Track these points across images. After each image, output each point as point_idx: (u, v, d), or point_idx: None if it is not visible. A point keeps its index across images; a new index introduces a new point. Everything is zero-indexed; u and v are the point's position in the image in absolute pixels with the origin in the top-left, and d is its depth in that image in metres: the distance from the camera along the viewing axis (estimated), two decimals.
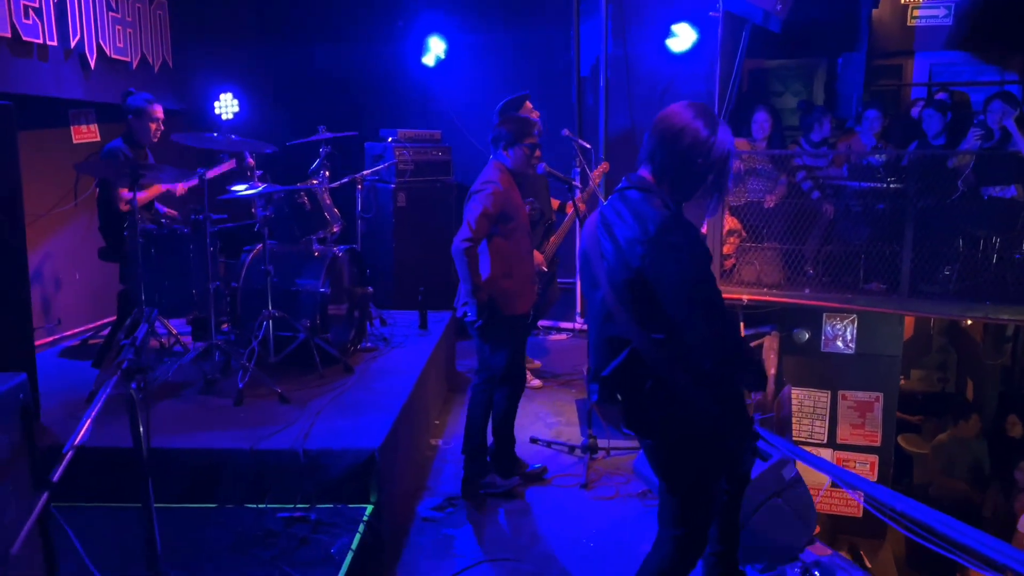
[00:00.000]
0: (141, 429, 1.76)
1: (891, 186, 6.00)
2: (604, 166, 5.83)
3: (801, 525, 3.45)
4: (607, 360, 2.42)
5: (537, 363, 6.30)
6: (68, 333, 5.61)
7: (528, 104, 5.39)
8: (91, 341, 5.30)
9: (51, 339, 5.42)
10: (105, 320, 5.81)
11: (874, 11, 8.61)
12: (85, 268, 5.77)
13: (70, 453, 1.41)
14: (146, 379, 1.75)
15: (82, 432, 1.46)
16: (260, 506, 3.35)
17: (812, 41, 8.26)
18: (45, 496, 1.31)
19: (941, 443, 7.36)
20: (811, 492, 3.56)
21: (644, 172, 2.45)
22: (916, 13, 8.91)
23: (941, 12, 8.84)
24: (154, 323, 1.92)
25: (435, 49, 7.21)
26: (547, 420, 5.22)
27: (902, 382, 7.87)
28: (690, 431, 2.41)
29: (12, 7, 4.52)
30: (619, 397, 2.44)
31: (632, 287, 2.33)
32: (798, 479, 3.45)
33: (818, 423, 7.00)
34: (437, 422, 5.17)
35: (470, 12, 7.33)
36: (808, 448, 6.99)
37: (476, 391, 4.11)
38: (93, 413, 1.52)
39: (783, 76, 9.33)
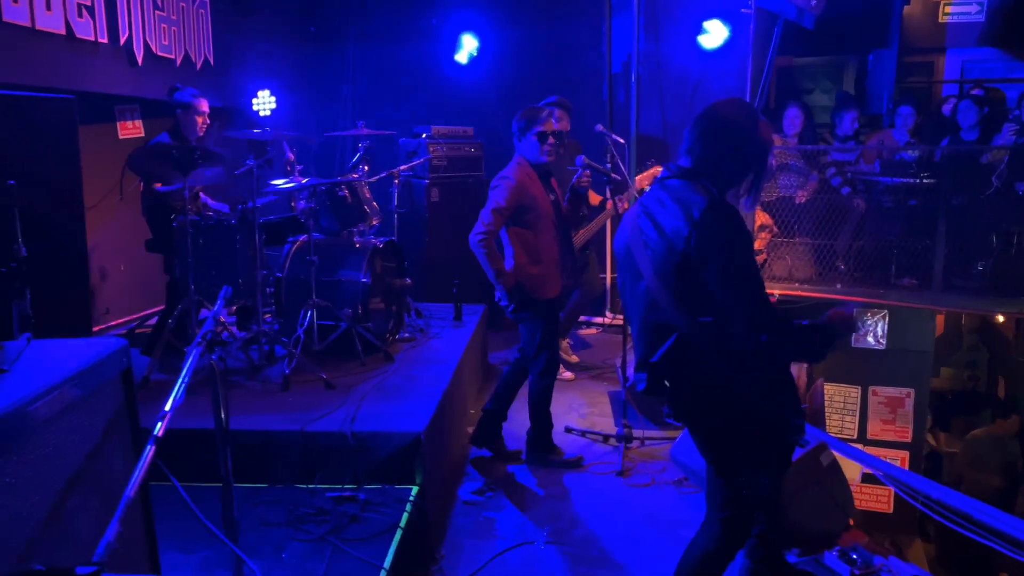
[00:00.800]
0: (221, 397, 1.86)
1: (924, 181, 6.01)
2: (656, 169, 5.84)
3: (839, 511, 3.50)
4: (654, 347, 2.47)
5: (575, 357, 6.37)
6: (114, 323, 5.78)
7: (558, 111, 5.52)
8: (138, 330, 5.45)
9: (99, 328, 5.58)
10: (149, 311, 5.98)
11: (905, 8, 8.60)
12: (129, 260, 5.93)
13: (170, 412, 1.52)
14: (226, 351, 1.85)
15: (177, 393, 1.57)
16: (310, 486, 3.46)
17: (842, 38, 8.26)
18: (152, 448, 1.42)
19: (975, 439, 7.34)
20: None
21: (684, 163, 2.51)
22: (948, 10, 8.87)
23: (973, 9, 8.80)
24: (230, 300, 2.02)
25: (468, 47, 7.31)
26: (581, 411, 5.29)
27: (932, 381, 7.85)
28: (738, 412, 2.47)
29: (67, 5, 4.68)
30: (667, 384, 2.51)
31: (679, 272, 2.38)
32: (835, 465, 3.50)
33: (848, 418, 7.01)
34: (472, 412, 5.26)
35: (502, 10, 7.42)
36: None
37: (512, 366, 4.34)
38: (186, 378, 1.63)
39: (812, 73, 9.34)
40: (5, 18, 4.20)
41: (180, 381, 1.61)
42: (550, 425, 4.32)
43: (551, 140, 4.06)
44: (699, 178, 2.45)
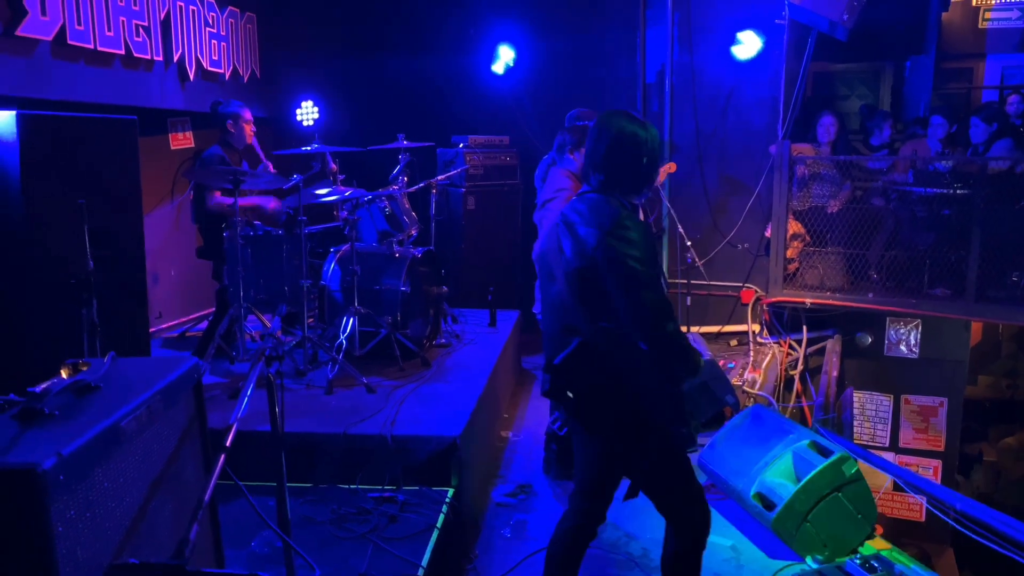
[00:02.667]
0: (277, 408, 2.05)
1: (958, 192, 6.02)
2: (670, 166, 6.03)
3: (861, 520, 3.59)
4: (559, 350, 2.64)
5: None
6: (166, 325, 6.05)
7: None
8: (188, 333, 5.72)
9: (152, 330, 5.85)
10: (199, 313, 6.26)
11: (944, 14, 8.55)
12: (180, 264, 6.21)
13: (236, 424, 1.71)
14: (282, 365, 2.03)
15: (243, 405, 1.76)
16: (352, 486, 3.66)
17: (879, 44, 8.24)
18: (223, 457, 1.60)
19: (1008, 447, 7.31)
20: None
21: (597, 176, 2.64)
22: (988, 15, 8.81)
23: (1014, 14, 8.72)
24: (284, 317, 2.20)
25: (504, 57, 7.47)
26: None
27: (969, 389, 7.81)
28: (627, 416, 2.59)
29: (126, 26, 4.95)
30: (569, 394, 2.64)
31: (583, 276, 2.56)
32: (858, 475, 3.59)
33: (880, 426, 7.03)
34: (506, 415, 5.43)
35: (539, 21, 7.57)
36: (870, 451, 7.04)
37: None
38: (249, 391, 1.81)
39: (848, 79, 9.32)
40: (70, 41, 4.47)
41: (243, 395, 1.80)
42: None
43: None
44: (612, 191, 2.61)
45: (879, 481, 5.30)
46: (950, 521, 3.70)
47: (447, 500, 3.56)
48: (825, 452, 3.66)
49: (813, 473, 3.51)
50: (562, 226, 2.68)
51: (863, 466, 4.00)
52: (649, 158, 2.62)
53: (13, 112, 3.49)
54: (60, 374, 1.67)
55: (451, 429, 3.76)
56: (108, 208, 3.72)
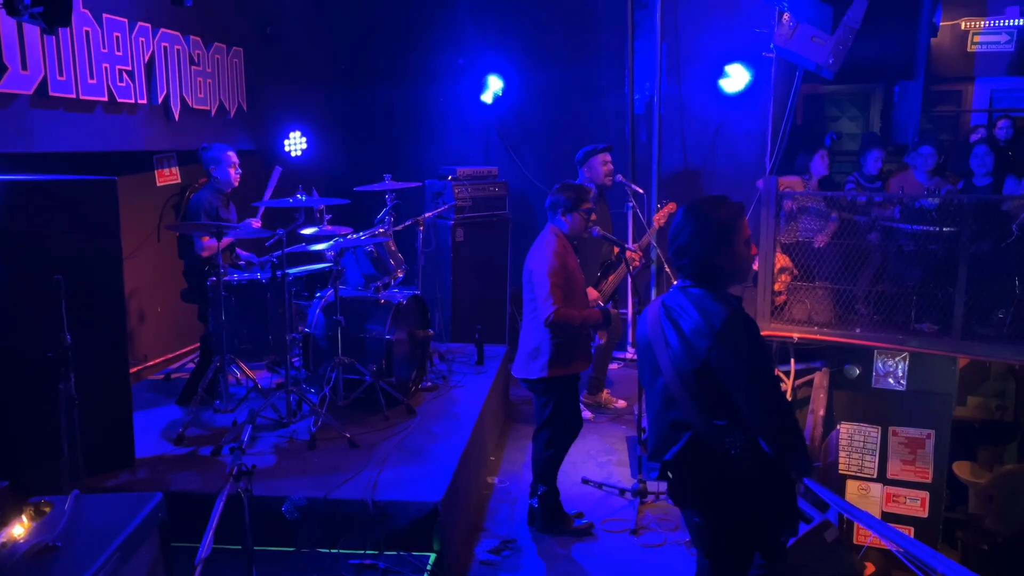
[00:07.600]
0: (247, 521, 2.04)
1: (944, 230, 6.02)
2: (671, 206, 5.99)
3: None
4: (669, 443, 2.64)
5: (621, 402, 6.49)
6: (152, 363, 6.02)
7: (607, 156, 5.63)
8: (173, 376, 5.70)
9: (137, 369, 5.83)
10: (185, 349, 6.24)
11: (934, 38, 8.57)
12: (166, 301, 6.17)
13: (200, 567, 1.70)
14: (252, 480, 2.02)
15: (206, 546, 1.75)
16: (333, 551, 3.65)
17: (868, 69, 8.25)
18: None
19: (1010, 474, 7.31)
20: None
21: (692, 267, 2.62)
22: (977, 39, 8.84)
23: (1003, 38, 8.75)
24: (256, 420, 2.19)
25: (493, 87, 7.45)
26: (599, 459, 5.42)
27: (958, 410, 7.83)
28: (743, 512, 2.60)
29: (109, 73, 4.92)
30: (670, 475, 2.68)
31: (699, 376, 2.53)
32: (840, 542, 3.60)
33: (868, 458, 7.03)
34: (492, 458, 5.42)
35: (528, 51, 7.56)
36: (858, 483, 7.05)
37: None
38: (213, 525, 1.80)
39: (839, 101, 9.33)
40: (52, 93, 4.43)
41: (209, 528, 1.79)
42: (557, 493, 4.40)
43: (593, 216, 4.21)
44: (711, 283, 2.58)
45: (873, 510, 5.33)
46: None
47: (428, 568, 3.55)
48: (807, 519, 3.66)
49: (795, 541, 3.51)
50: (665, 319, 2.63)
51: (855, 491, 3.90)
52: (741, 239, 2.57)
53: None
54: (22, 518, 1.66)
55: (433, 494, 3.75)
56: (88, 270, 3.69)
